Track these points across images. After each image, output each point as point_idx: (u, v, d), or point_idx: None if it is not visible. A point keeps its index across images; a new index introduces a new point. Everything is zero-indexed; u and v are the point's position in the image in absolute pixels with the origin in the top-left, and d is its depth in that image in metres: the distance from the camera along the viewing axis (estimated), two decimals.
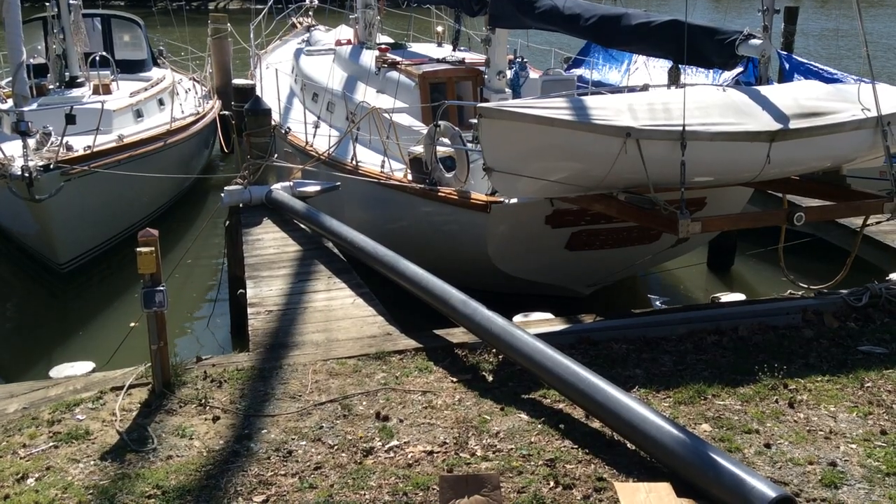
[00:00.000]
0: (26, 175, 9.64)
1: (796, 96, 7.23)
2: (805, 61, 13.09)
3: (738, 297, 8.36)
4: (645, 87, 8.85)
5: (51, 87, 13.42)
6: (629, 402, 4.96)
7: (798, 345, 6.51)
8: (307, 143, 11.27)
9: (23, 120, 9.76)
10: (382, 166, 9.52)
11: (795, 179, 7.89)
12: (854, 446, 5.06)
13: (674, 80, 8.78)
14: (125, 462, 4.97)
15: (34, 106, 11.71)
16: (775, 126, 6.77)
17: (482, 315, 6.15)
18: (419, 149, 9.18)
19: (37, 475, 4.84)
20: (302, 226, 9.39)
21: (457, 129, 8.73)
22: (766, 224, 7.73)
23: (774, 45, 8.47)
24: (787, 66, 12.83)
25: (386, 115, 9.77)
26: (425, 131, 9.17)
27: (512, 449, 5.02)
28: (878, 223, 7.83)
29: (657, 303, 10.30)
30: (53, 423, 5.47)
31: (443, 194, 8.64)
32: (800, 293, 7.78)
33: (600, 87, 10.98)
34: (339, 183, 9.85)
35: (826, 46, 30.97)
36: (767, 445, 5.04)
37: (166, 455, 5.04)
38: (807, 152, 7.06)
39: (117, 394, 5.82)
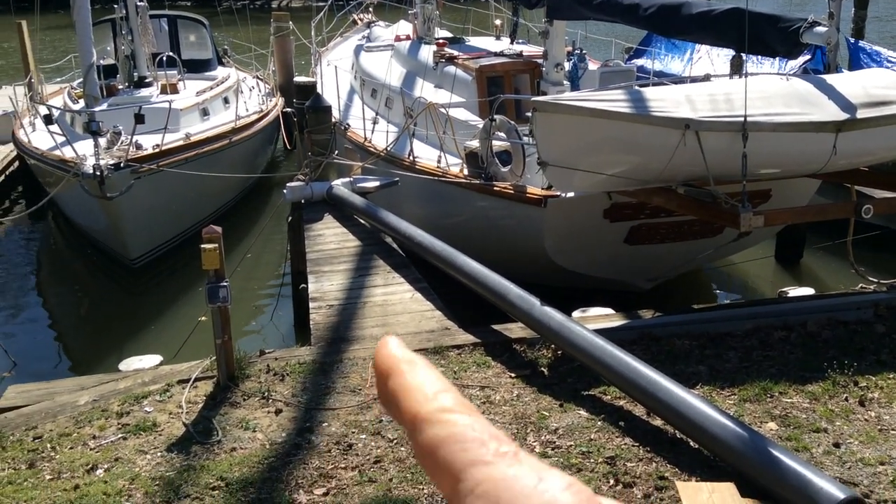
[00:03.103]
0: (98, 174, 9.93)
1: (864, 84, 7.00)
2: (875, 48, 12.65)
3: (807, 291, 8.13)
4: (707, 78, 8.67)
5: (120, 87, 13.80)
6: (692, 399, 4.88)
7: (869, 341, 6.31)
8: (366, 139, 11.36)
9: (94, 120, 10.05)
10: (439, 161, 9.54)
11: (864, 170, 7.63)
12: None
13: (736, 69, 8.59)
14: (190, 454, 5.10)
15: (104, 106, 12.07)
16: (842, 116, 6.57)
17: (540, 310, 6.12)
18: (475, 143, 9.18)
19: (106, 466, 5.01)
20: (361, 221, 9.48)
21: (512, 123, 8.69)
22: (833, 217, 7.50)
23: (843, 32, 8.20)
24: (856, 53, 12.42)
25: (442, 109, 9.78)
26: (482, 125, 9.16)
27: (571, 446, 4.99)
28: None
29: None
30: (122, 415, 5.64)
31: (498, 189, 8.62)
32: (871, 287, 7.54)
33: (661, 78, 10.80)
34: (397, 179, 9.91)
35: None
36: (836, 445, 4.91)
37: (230, 447, 5.16)
38: (875, 142, 6.84)
39: (183, 386, 5.97)
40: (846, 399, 5.46)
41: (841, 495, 4.05)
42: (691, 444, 4.92)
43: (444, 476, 0.43)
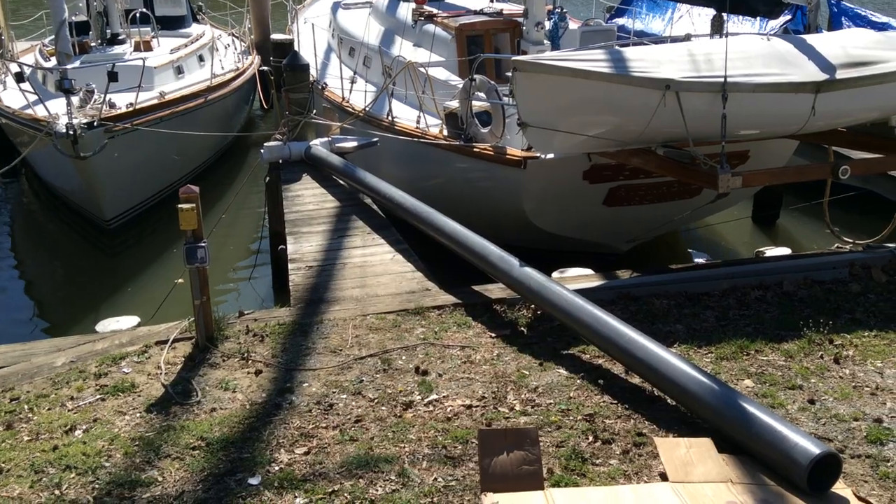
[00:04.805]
0: (71, 133, 9.77)
1: (844, 45, 7.00)
2: (856, 8, 12.65)
3: (784, 251, 8.23)
4: (687, 37, 8.63)
5: (93, 44, 13.53)
6: (669, 357, 4.93)
7: (844, 300, 6.40)
8: (344, 98, 11.23)
9: (66, 78, 9.86)
10: (418, 122, 9.47)
11: (842, 131, 7.67)
12: None
13: (717, 29, 8.55)
14: (170, 414, 5.09)
15: (77, 63, 11.85)
16: (821, 76, 6.57)
17: (520, 271, 6.13)
18: (455, 104, 9.10)
19: (84, 427, 4.98)
20: (340, 181, 9.42)
21: (492, 83, 8.62)
22: (810, 178, 7.54)
23: None
24: (836, 13, 12.42)
25: (422, 69, 9.68)
26: (461, 85, 9.07)
27: (551, 403, 5.03)
28: None
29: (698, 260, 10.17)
30: (100, 377, 5.61)
31: (478, 150, 8.57)
32: (847, 247, 7.62)
33: (642, 38, 10.74)
34: (376, 139, 9.82)
35: None
36: (811, 401, 4.99)
37: (210, 407, 5.15)
38: (854, 103, 6.85)
39: (162, 348, 5.94)
40: (821, 357, 5.54)
41: (816, 451, 4.10)
42: (669, 401, 4.98)
43: None
